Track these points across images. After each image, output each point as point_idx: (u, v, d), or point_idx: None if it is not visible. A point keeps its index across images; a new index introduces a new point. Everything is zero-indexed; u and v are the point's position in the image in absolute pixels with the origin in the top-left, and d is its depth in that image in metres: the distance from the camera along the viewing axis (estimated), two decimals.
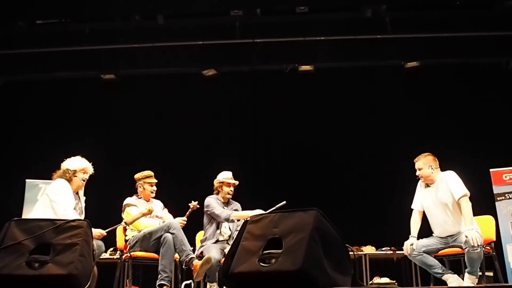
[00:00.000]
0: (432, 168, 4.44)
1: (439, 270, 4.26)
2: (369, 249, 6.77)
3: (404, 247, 4.36)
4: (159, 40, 7.26)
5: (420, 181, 4.57)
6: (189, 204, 4.96)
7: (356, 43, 7.15)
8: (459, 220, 4.27)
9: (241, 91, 7.80)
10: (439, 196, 4.38)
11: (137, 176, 5.03)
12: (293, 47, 7.27)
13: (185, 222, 4.81)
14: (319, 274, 2.65)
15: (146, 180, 4.98)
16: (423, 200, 4.51)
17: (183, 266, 4.47)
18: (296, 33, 7.18)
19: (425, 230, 4.55)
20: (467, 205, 4.22)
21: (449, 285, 4.17)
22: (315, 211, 2.81)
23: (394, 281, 6.42)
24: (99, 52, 7.36)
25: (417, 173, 4.49)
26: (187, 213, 4.94)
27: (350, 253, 2.92)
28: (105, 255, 6.30)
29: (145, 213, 4.62)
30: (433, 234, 4.46)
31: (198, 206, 4.99)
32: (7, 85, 7.76)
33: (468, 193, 4.29)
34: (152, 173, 5.04)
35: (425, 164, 4.45)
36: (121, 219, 4.73)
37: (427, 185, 4.50)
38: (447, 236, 4.35)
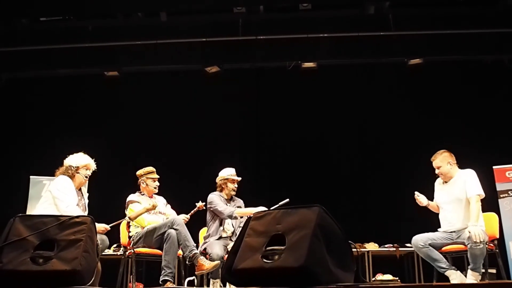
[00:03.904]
0: (450, 164, 4.47)
1: (443, 265, 4.27)
2: (372, 246, 6.77)
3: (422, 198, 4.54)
4: (162, 37, 7.25)
5: (438, 178, 4.60)
6: (196, 204, 4.97)
7: (359, 40, 7.13)
8: (468, 217, 4.30)
9: (243, 88, 7.80)
10: (454, 192, 4.43)
11: (139, 172, 5.04)
12: (295, 44, 7.26)
13: (187, 220, 4.84)
14: (321, 270, 2.66)
15: (148, 176, 4.98)
16: (438, 195, 4.57)
17: (187, 262, 4.47)
18: (299, 30, 7.17)
19: (431, 227, 4.57)
20: (476, 204, 4.26)
21: (452, 281, 4.18)
22: (318, 208, 2.81)
23: (397, 278, 6.43)
24: (102, 49, 7.35)
25: (436, 171, 4.52)
26: (192, 212, 4.96)
27: (353, 250, 2.92)
28: (109, 251, 6.32)
29: (149, 208, 4.64)
30: (438, 230, 4.48)
31: (204, 207, 5.00)
32: (10, 81, 7.78)
33: (483, 195, 4.34)
34: (154, 169, 5.04)
35: (442, 161, 4.48)
36: (124, 216, 4.74)
37: (445, 182, 4.53)
38: (452, 232, 4.37)
